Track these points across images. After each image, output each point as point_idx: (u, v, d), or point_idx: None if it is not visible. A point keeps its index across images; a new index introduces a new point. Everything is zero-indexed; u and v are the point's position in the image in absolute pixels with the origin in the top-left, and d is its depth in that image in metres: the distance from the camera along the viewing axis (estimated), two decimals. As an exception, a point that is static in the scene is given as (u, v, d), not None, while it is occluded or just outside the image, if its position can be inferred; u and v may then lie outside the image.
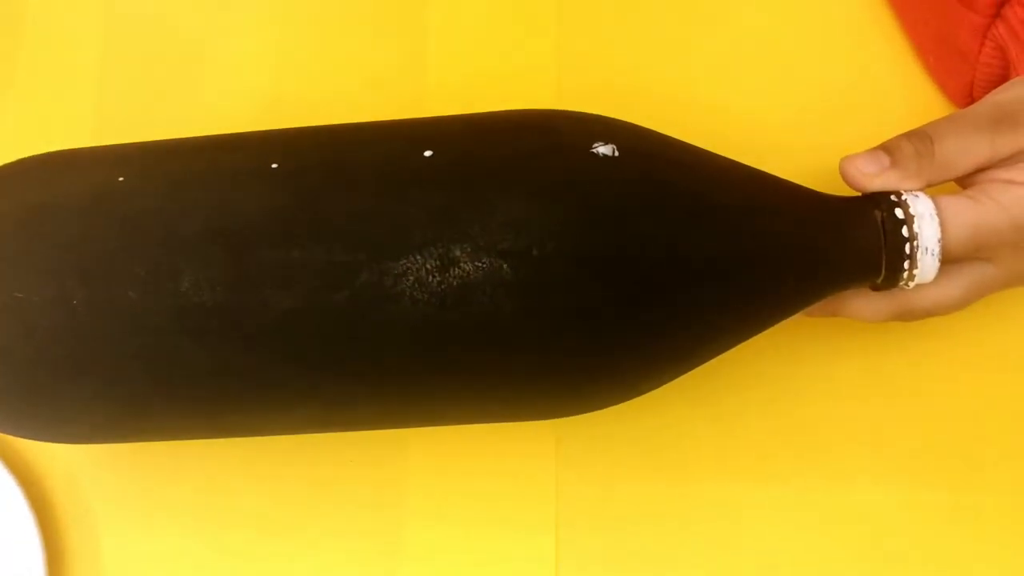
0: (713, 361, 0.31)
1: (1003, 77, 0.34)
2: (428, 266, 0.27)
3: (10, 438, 0.39)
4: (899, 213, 0.29)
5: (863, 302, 0.32)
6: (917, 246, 0.29)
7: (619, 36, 0.40)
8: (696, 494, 0.36)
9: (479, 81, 0.40)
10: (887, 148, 0.30)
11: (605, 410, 0.31)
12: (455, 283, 0.27)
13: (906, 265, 0.29)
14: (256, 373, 0.28)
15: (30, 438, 0.32)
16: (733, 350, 0.31)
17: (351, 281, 0.27)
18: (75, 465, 0.39)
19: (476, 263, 0.27)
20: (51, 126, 0.42)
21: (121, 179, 0.30)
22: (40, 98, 0.43)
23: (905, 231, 0.29)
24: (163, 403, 0.29)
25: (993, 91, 0.32)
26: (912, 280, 0.30)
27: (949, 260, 0.30)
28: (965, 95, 0.35)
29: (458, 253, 0.27)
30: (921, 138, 0.29)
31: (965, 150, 0.29)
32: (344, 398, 0.29)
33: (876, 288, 0.31)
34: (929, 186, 0.30)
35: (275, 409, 0.30)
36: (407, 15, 0.41)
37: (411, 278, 0.27)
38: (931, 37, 0.36)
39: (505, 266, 0.27)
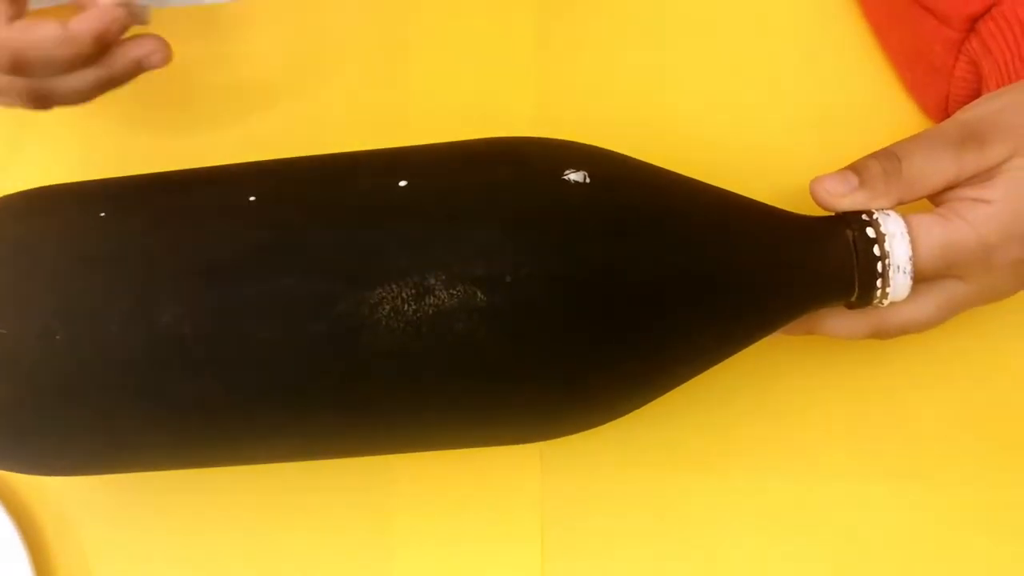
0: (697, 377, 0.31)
1: (977, 92, 0.34)
2: (404, 295, 0.27)
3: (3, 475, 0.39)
4: (870, 232, 0.29)
5: (838, 320, 0.32)
6: (889, 264, 0.29)
7: (597, 61, 0.40)
8: (681, 504, 0.37)
9: (458, 107, 0.40)
10: (855, 168, 0.30)
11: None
12: (430, 311, 0.27)
13: (878, 283, 0.29)
14: (237, 404, 0.29)
15: (16, 471, 0.32)
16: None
17: (328, 311, 0.27)
18: (65, 496, 0.39)
19: (450, 291, 0.27)
20: (36, 161, 0.43)
21: (102, 214, 0.30)
22: (26, 134, 0.44)
23: (876, 250, 0.29)
24: (146, 435, 0.30)
25: (961, 109, 0.32)
26: (885, 298, 0.30)
27: (921, 278, 0.30)
28: (941, 110, 0.35)
29: (432, 281, 0.27)
30: (888, 157, 0.30)
31: (932, 168, 0.30)
32: (325, 428, 0.29)
33: (850, 306, 0.31)
34: (899, 204, 0.30)
35: (257, 439, 0.30)
36: (388, 43, 0.42)
37: (387, 307, 0.27)
38: (907, 52, 0.36)
39: (479, 293, 0.27)
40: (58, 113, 0.44)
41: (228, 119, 0.42)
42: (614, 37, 0.41)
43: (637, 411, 0.31)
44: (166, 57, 0.35)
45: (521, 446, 0.37)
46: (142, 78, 0.43)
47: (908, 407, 0.37)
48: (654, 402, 0.31)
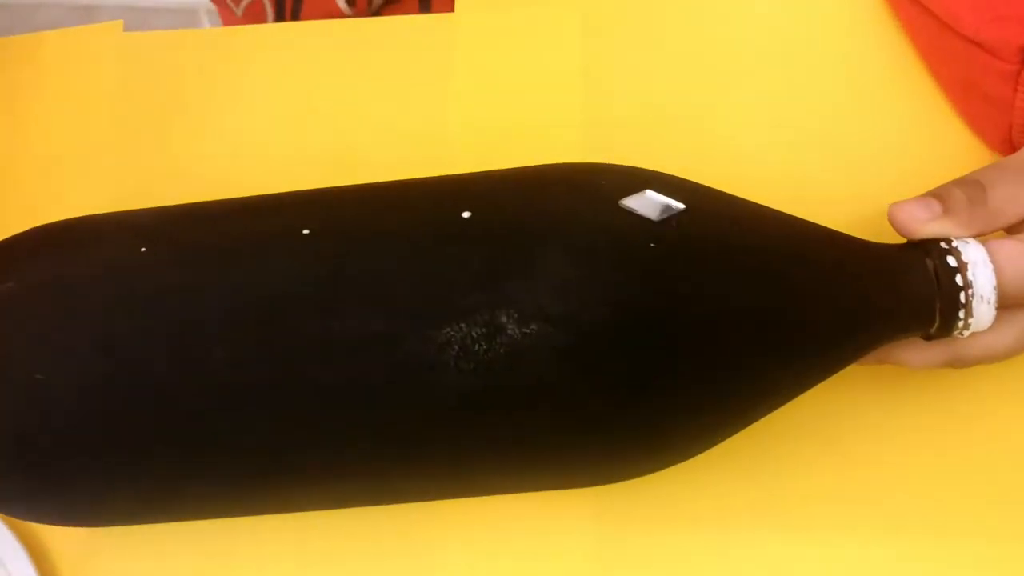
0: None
1: None
2: (473, 334, 0.26)
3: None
4: (951, 261, 0.28)
5: (913, 350, 0.31)
6: (972, 294, 0.28)
7: (648, 87, 0.39)
8: (739, 548, 0.35)
9: (503, 133, 0.39)
10: (938, 195, 0.29)
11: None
12: (502, 351, 0.26)
13: (961, 314, 0.28)
14: (292, 451, 0.27)
15: (54, 524, 0.31)
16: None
17: (392, 352, 0.26)
18: (88, 540, 0.37)
19: (524, 329, 0.25)
20: (68, 188, 0.41)
21: (143, 249, 0.28)
22: (57, 161, 0.42)
23: (959, 279, 0.28)
24: (194, 483, 0.28)
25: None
26: (967, 329, 0.29)
27: (1003, 306, 0.29)
28: (1003, 140, 0.34)
29: (504, 319, 0.26)
30: (973, 185, 0.29)
31: (1015, 197, 0.29)
32: (386, 474, 0.28)
33: (928, 337, 0.30)
34: (981, 235, 0.29)
35: (313, 486, 0.28)
36: (431, 68, 0.41)
37: (456, 347, 0.26)
38: (960, 85, 0.35)
39: (554, 331, 0.25)
40: (91, 140, 0.42)
41: (264, 145, 0.41)
42: (662, 61, 0.40)
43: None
44: None
45: (574, 492, 0.36)
46: (177, 102, 0.42)
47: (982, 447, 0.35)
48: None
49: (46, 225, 0.31)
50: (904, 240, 0.30)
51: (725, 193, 0.29)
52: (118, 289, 0.28)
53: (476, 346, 0.26)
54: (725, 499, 0.35)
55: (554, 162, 0.31)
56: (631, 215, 0.27)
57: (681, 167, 0.30)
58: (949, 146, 0.37)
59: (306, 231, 0.28)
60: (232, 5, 0.50)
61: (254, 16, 0.49)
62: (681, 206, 0.27)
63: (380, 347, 0.26)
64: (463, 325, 0.26)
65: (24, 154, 0.42)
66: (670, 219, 0.27)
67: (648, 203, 0.27)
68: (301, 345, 0.26)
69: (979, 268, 0.28)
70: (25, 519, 0.30)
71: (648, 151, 0.34)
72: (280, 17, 0.48)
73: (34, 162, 0.42)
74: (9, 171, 0.42)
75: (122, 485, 0.28)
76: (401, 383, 0.26)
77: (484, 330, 0.26)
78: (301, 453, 0.27)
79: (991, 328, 0.29)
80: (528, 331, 0.25)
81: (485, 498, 0.35)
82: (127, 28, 0.44)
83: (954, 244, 0.29)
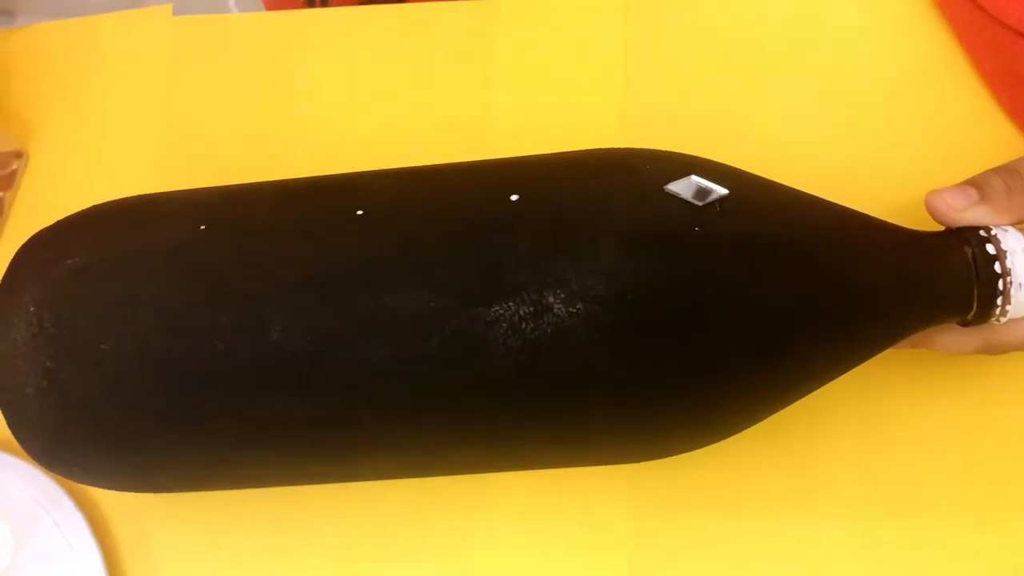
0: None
1: None
2: (521, 312, 0.26)
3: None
4: (990, 248, 0.29)
5: (949, 336, 0.31)
6: (1010, 282, 0.28)
7: (688, 73, 0.40)
8: (773, 529, 0.36)
9: (544, 119, 0.40)
10: (976, 183, 0.30)
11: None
12: (549, 330, 0.26)
13: (999, 301, 0.29)
14: (347, 421, 0.28)
15: (117, 489, 0.32)
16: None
17: (442, 327, 0.27)
18: (142, 508, 0.39)
19: (571, 309, 0.26)
20: (117, 167, 0.42)
21: (203, 227, 0.30)
22: (106, 139, 0.43)
23: (997, 267, 0.29)
24: (252, 452, 0.29)
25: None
26: (1004, 316, 0.29)
27: (1040, 295, 0.29)
28: (1043, 132, 0.34)
29: (552, 299, 0.26)
30: (1011, 173, 0.29)
31: (1053, 185, 0.29)
32: (435, 445, 0.29)
33: (965, 324, 0.30)
34: (1019, 222, 0.30)
35: (365, 456, 0.29)
36: (472, 54, 0.41)
37: (504, 325, 0.27)
38: (1003, 76, 0.36)
39: (601, 312, 0.26)
40: (136, 120, 0.44)
41: (309, 128, 0.42)
42: (702, 47, 0.40)
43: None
44: None
45: (610, 470, 0.36)
46: (225, 85, 0.43)
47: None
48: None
49: (107, 203, 0.32)
50: (942, 228, 0.31)
51: (765, 179, 0.30)
52: (179, 264, 0.29)
53: (524, 324, 0.26)
54: (757, 479, 0.36)
55: (594, 147, 0.31)
56: (675, 199, 0.28)
57: (720, 153, 0.31)
58: (988, 136, 0.37)
59: (360, 212, 0.29)
60: None
61: (285, 1, 0.50)
62: (724, 191, 0.28)
63: (432, 323, 0.27)
64: (511, 304, 0.27)
65: (78, 134, 0.44)
66: (713, 204, 0.27)
67: (692, 188, 0.28)
68: (355, 320, 0.27)
69: (1018, 256, 0.29)
70: (84, 483, 0.32)
71: (687, 137, 0.35)
72: (311, 3, 0.49)
73: (87, 142, 0.44)
74: (64, 152, 0.44)
75: (180, 452, 0.29)
76: (451, 359, 0.27)
77: (532, 309, 0.26)
78: (352, 425, 0.28)
79: (1027, 315, 0.30)
80: (574, 311, 0.26)
81: (525, 473, 0.36)
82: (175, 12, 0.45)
83: (993, 232, 0.29)
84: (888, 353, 0.34)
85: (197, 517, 0.38)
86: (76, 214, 0.32)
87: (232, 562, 0.38)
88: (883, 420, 0.36)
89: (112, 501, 0.39)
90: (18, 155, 0.43)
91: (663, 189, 0.28)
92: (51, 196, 0.43)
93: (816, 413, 0.36)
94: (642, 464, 0.36)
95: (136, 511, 0.39)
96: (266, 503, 0.38)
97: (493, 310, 0.27)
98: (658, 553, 0.36)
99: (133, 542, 0.38)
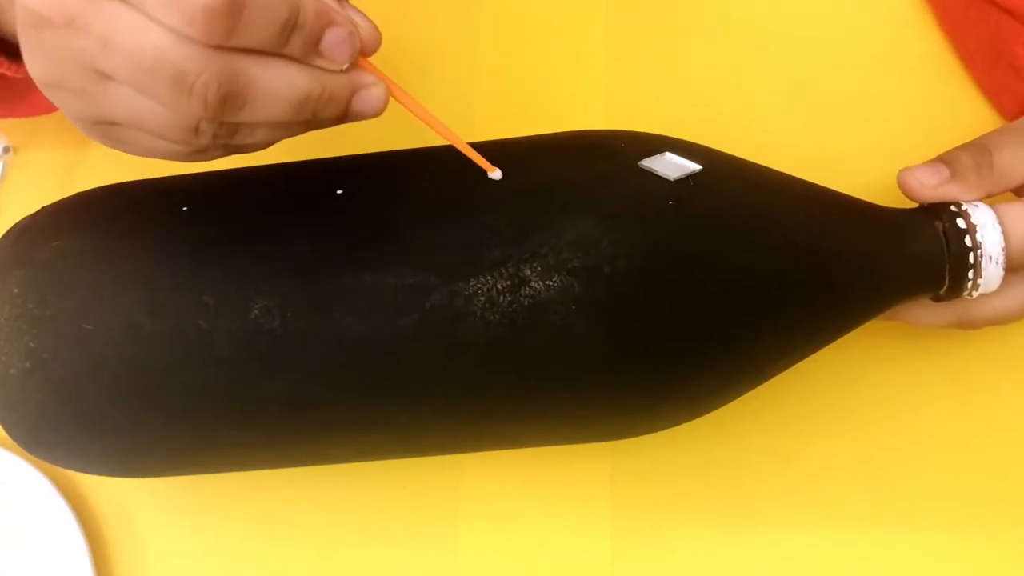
0: (770, 383, 0.31)
1: None
2: (499, 286, 0.27)
3: (67, 472, 0.39)
4: (961, 223, 0.29)
5: (923, 310, 0.32)
6: (981, 255, 0.29)
7: (668, 58, 0.40)
8: (753, 522, 0.36)
9: (528, 102, 0.40)
10: (946, 160, 0.30)
11: (661, 435, 0.31)
12: (526, 303, 0.27)
13: (970, 275, 0.29)
14: (326, 400, 0.28)
15: (100, 474, 0.32)
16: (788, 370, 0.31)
17: (421, 303, 0.27)
18: (127, 492, 0.39)
19: (547, 282, 0.27)
20: (102, 161, 0.43)
21: (184, 209, 0.30)
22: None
23: (968, 241, 0.29)
24: (233, 433, 0.29)
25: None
26: (976, 290, 0.30)
27: (1011, 269, 0.30)
28: (1020, 110, 0.35)
29: (528, 272, 0.27)
30: (979, 149, 0.30)
31: (1021, 160, 0.30)
32: (415, 423, 0.29)
33: (938, 299, 0.31)
34: (988, 197, 0.30)
35: (345, 436, 0.30)
36: (457, 38, 0.42)
37: (482, 299, 0.27)
38: (985, 55, 0.36)
39: (576, 284, 0.27)
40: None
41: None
42: (685, 31, 0.41)
43: (708, 425, 0.31)
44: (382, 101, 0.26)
45: (592, 448, 0.37)
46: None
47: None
48: (725, 414, 0.31)
49: (92, 189, 0.33)
50: (915, 205, 0.31)
51: (739, 158, 0.30)
52: (160, 244, 0.29)
53: (501, 298, 0.27)
54: (736, 458, 0.36)
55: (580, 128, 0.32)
56: (650, 175, 0.28)
57: (700, 136, 0.31)
58: (964, 115, 0.38)
59: (340, 191, 0.29)
60: None
61: None
62: (697, 167, 0.28)
63: (409, 299, 0.27)
64: (489, 278, 0.27)
65: (64, 128, 0.44)
66: (687, 179, 0.28)
67: (666, 164, 0.28)
68: (334, 297, 0.27)
69: (987, 230, 0.29)
70: (68, 467, 0.32)
71: (670, 122, 0.35)
72: None
73: (74, 136, 0.44)
74: (50, 146, 0.44)
75: (163, 433, 0.29)
76: (429, 333, 0.27)
77: (509, 283, 0.27)
78: (331, 402, 0.28)
79: (999, 291, 0.30)
80: (551, 284, 0.27)
81: (504, 457, 0.36)
82: None
83: (963, 207, 0.30)
84: (880, 355, 0.34)
85: (183, 513, 0.38)
86: (61, 200, 0.33)
87: (217, 553, 0.38)
88: (872, 425, 0.36)
89: (101, 495, 0.39)
90: (4, 149, 0.43)
91: (638, 165, 0.28)
92: (37, 189, 0.43)
93: (803, 418, 0.36)
94: (625, 467, 0.36)
95: (124, 504, 0.39)
96: (252, 494, 0.38)
97: (472, 284, 0.27)
98: (641, 556, 0.36)
99: (121, 536, 0.38)
